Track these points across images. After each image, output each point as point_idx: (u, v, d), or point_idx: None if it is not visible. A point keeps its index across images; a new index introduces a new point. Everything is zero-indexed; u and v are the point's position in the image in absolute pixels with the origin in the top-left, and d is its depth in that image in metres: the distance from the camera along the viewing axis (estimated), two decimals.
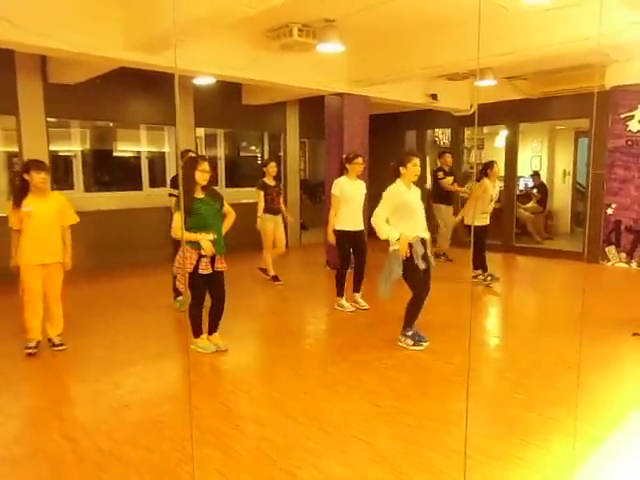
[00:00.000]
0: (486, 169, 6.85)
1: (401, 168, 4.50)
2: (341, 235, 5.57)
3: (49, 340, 4.48)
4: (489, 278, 6.83)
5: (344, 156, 5.81)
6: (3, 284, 4.25)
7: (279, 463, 2.74)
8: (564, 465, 2.71)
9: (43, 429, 3.16)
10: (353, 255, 5.72)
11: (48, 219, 4.26)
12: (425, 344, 4.46)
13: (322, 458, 2.79)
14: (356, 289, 5.80)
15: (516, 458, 2.78)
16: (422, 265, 4.35)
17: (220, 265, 4.31)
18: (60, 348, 4.44)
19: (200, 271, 4.17)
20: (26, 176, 4.17)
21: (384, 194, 4.50)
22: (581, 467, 2.70)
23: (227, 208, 4.47)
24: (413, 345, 4.46)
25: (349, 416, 3.27)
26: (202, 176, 4.18)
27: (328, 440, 2.98)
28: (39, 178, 4.16)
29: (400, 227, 4.37)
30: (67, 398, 3.77)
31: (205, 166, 4.21)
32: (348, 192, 5.51)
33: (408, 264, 4.35)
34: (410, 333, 4.48)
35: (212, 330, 4.48)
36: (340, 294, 5.76)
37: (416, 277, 4.39)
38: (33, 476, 2.70)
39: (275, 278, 7.03)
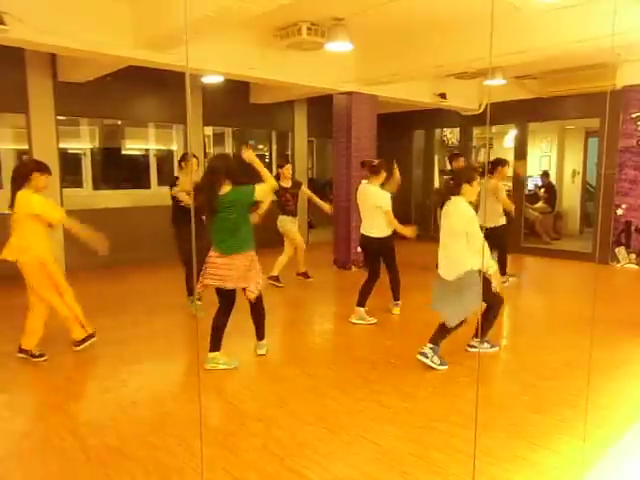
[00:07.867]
0: (497, 166, 6.32)
1: (465, 185, 3.77)
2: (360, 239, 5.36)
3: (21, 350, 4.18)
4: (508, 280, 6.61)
5: (374, 163, 5.25)
6: (12, 281, 4.26)
7: (286, 462, 2.74)
8: (573, 468, 2.68)
9: (51, 425, 3.17)
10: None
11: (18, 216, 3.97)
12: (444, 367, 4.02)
13: (329, 458, 2.78)
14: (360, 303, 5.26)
15: (524, 460, 2.76)
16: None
17: None
18: (40, 359, 4.15)
19: None
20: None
21: (467, 216, 3.76)
22: (590, 470, 2.68)
23: (258, 193, 3.94)
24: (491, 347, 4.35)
25: (356, 416, 3.26)
26: None
27: (335, 440, 2.97)
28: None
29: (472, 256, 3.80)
30: (75, 395, 3.78)
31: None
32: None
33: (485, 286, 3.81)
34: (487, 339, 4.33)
35: (261, 336, 4.31)
36: (361, 304, 5.24)
37: (491, 292, 3.96)
38: (40, 472, 2.71)
39: (276, 279, 6.74)
